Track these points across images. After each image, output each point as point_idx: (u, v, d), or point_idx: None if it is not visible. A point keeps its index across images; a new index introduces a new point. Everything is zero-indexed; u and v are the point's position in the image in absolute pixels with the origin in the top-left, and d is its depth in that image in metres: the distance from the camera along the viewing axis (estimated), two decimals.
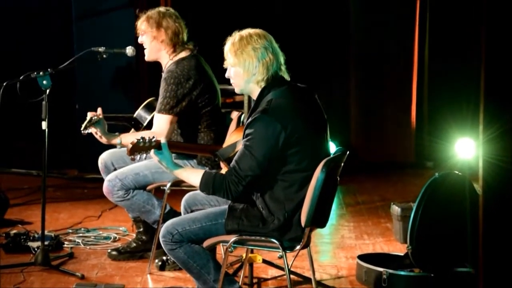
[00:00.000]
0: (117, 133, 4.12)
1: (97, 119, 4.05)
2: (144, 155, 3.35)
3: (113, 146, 4.31)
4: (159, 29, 4.21)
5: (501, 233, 2.26)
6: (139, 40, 4.29)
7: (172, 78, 4.14)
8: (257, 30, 3.35)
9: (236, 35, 3.33)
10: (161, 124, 4.14)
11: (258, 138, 3.22)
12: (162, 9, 4.31)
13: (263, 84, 3.31)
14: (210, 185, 3.28)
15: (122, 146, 4.05)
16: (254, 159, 3.22)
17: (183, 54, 4.25)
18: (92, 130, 4.05)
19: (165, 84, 4.16)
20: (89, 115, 4.05)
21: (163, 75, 4.24)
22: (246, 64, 3.29)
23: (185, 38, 4.27)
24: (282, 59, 3.37)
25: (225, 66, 3.38)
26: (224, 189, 3.26)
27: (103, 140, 4.10)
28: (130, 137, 4.06)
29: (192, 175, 3.36)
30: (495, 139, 2.20)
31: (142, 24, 4.25)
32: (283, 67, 3.37)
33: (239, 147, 3.44)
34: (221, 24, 6.74)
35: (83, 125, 4.03)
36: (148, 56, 4.30)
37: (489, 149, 2.22)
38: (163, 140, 3.36)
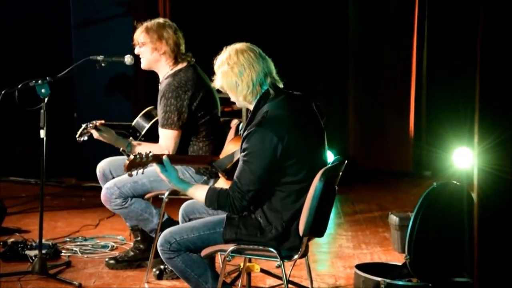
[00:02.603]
0: (127, 139, 4.19)
1: (93, 126, 4.13)
2: (141, 170, 3.36)
3: (116, 153, 4.34)
4: (161, 41, 4.22)
5: (495, 241, 2.27)
6: (136, 51, 4.29)
7: (170, 92, 4.15)
8: (238, 46, 3.39)
9: (219, 57, 3.40)
10: (167, 140, 4.16)
11: (255, 153, 3.24)
12: (161, 20, 4.31)
13: (250, 98, 3.36)
14: (214, 201, 3.31)
15: (130, 153, 4.11)
16: (253, 174, 3.24)
17: (180, 65, 4.26)
18: (93, 133, 4.14)
19: (164, 98, 4.16)
20: (84, 125, 4.16)
21: (161, 88, 4.24)
22: (227, 83, 3.36)
23: (184, 50, 4.29)
24: (270, 68, 3.38)
25: (215, 86, 3.45)
26: (229, 206, 3.28)
27: (113, 144, 4.21)
28: (141, 148, 4.12)
29: (198, 191, 3.38)
30: (490, 149, 2.21)
31: (140, 36, 4.25)
32: (274, 76, 3.39)
33: (236, 157, 3.45)
34: (219, 30, 6.76)
35: (78, 132, 4.12)
36: (145, 66, 4.31)
37: (484, 159, 2.22)
38: (164, 158, 3.38)
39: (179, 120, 4.14)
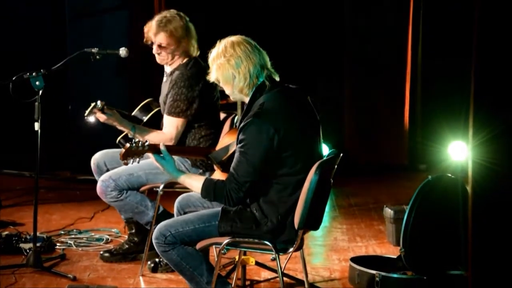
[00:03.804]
0: (131, 123, 4.18)
1: (101, 106, 4.10)
2: (137, 159, 3.36)
3: (111, 145, 4.33)
4: (185, 41, 4.21)
5: (489, 233, 2.28)
6: (155, 51, 4.23)
7: (183, 81, 4.16)
8: (233, 38, 3.37)
9: (214, 49, 3.38)
10: (171, 127, 4.16)
11: (252, 144, 3.23)
12: (177, 17, 4.23)
13: (247, 90, 3.34)
14: (211, 192, 3.30)
15: (134, 136, 4.09)
16: (250, 165, 3.23)
17: (188, 57, 4.27)
18: (98, 116, 4.10)
19: (175, 87, 4.16)
20: (93, 103, 4.11)
21: (173, 77, 4.22)
22: (224, 76, 3.35)
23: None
24: (265, 60, 3.37)
25: (210, 79, 3.42)
26: (225, 197, 3.28)
27: (118, 126, 4.18)
28: (145, 132, 4.11)
29: (194, 181, 3.38)
30: (484, 143, 2.22)
31: (163, 38, 4.18)
32: (269, 68, 3.38)
33: (232, 149, 3.45)
34: (215, 24, 6.75)
35: (87, 111, 4.09)
36: (164, 63, 4.29)
37: (479, 152, 2.24)
38: (162, 147, 3.38)
39: (188, 110, 4.16)
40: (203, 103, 4.19)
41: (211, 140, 4.25)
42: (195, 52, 4.29)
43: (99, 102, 4.12)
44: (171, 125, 4.17)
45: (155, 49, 4.27)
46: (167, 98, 4.22)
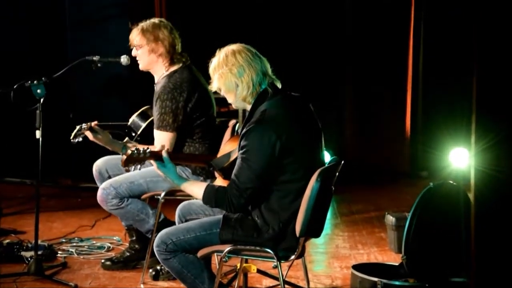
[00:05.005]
0: (121, 141, 4.17)
1: (87, 127, 4.12)
2: (139, 166, 3.36)
3: (112, 152, 4.34)
4: (157, 42, 4.20)
5: (492, 241, 2.28)
6: (133, 53, 4.27)
7: (165, 94, 4.14)
8: (234, 47, 3.36)
9: (214, 59, 3.37)
10: (162, 142, 4.14)
11: (254, 150, 3.23)
12: (156, 20, 4.29)
13: (250, 99, 3.34)
14: (212, 198, 3.29)
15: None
16: (252, 171, 3.23)
17: (175, 66, 4.25)
18: (86, 135, 4.12)
19: (159, 100, 4.15)
20: (78, 126, 4.14)
21: (156, 89, 4.23)
22: (226, 85, 3.33)
23: (180, 49, 4.27)
24: (267, 67, 3.36)
25: (212, 89, 3.41)
26: (226, 203, 3.27)
27: (108, 147, 4.19)
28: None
29: (196, 188, 3.37)
30: (487, 150, 2.22)
31: (136, 37, 4.23)
32: (271, 74, 3.38)
33: (234, 156, 3.44)
34: (215, 32, 6.76)
35: (73, 134, 4.11)
36: (143, 68, 4.30)
37: (481, 159, 2.23)
38: (164, 154, 3.37)
39: (174, 122, 4.14)
40: (192, 114, 4.16)
41: (208, 151, 4.22)
42: (181, 60, 4.23)
43: (84, 124, 4.13)
44: (162, 140, 4.14)
45: (133, 52, 4.27)
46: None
